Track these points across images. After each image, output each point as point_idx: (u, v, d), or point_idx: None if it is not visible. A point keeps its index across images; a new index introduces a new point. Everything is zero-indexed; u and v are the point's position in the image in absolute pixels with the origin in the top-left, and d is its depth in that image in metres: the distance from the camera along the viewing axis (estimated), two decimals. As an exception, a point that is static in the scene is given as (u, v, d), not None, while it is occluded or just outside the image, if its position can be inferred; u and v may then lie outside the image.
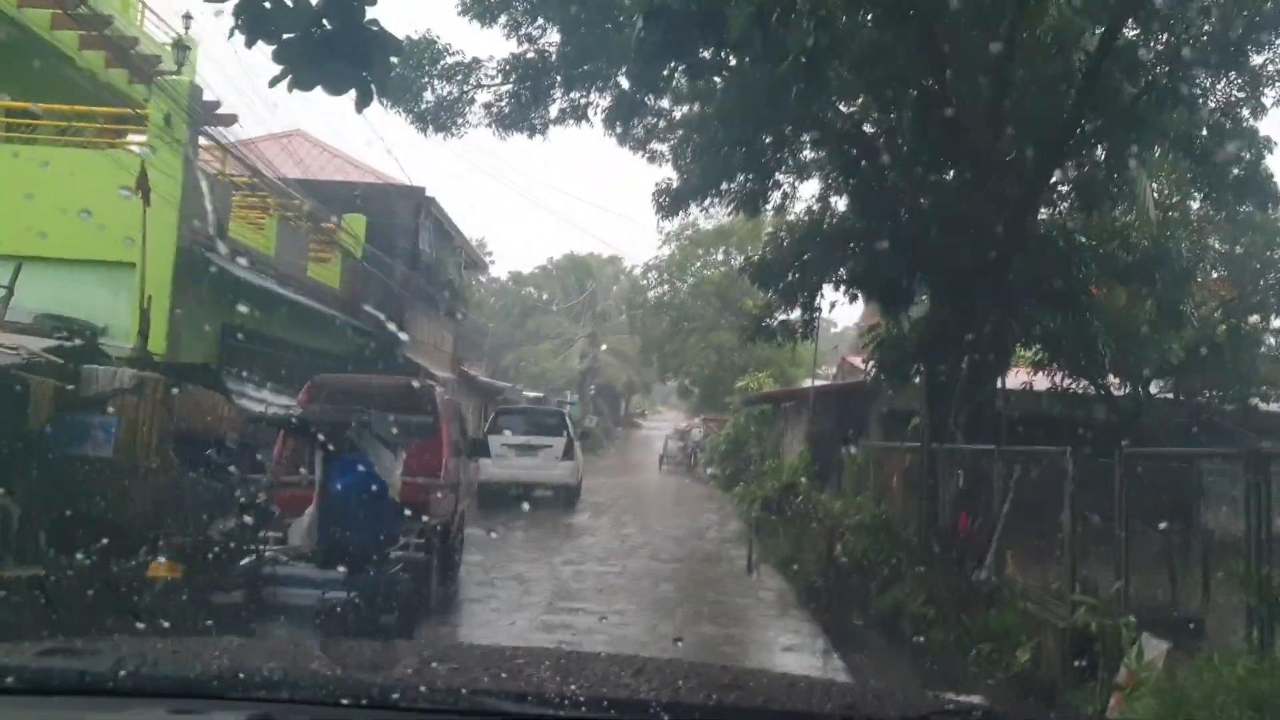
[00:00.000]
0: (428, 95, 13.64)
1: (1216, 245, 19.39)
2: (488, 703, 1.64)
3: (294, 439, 9.22)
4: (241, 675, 1.69)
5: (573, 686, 1.72)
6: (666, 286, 44.85)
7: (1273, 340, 19.94)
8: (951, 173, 13.48)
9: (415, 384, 11.56)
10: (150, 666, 1.74)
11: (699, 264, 42.28)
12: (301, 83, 4.54)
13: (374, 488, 7.73)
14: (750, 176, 14.73)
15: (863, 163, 13.89)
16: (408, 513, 9.28)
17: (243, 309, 13.25)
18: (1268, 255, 21.46)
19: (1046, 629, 8.53)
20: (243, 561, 7.61)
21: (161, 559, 6.69)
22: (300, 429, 8.49)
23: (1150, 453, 8.65)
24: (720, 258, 40.85)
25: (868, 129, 14.43)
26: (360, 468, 7.73)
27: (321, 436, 7.78)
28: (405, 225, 22.30)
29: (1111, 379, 16.97)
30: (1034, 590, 9.49)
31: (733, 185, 14.57)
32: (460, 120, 13.78)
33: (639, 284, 47.72)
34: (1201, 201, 16.82)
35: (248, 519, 7.83)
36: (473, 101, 13.75)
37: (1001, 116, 12.30)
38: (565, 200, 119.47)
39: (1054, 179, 13.50)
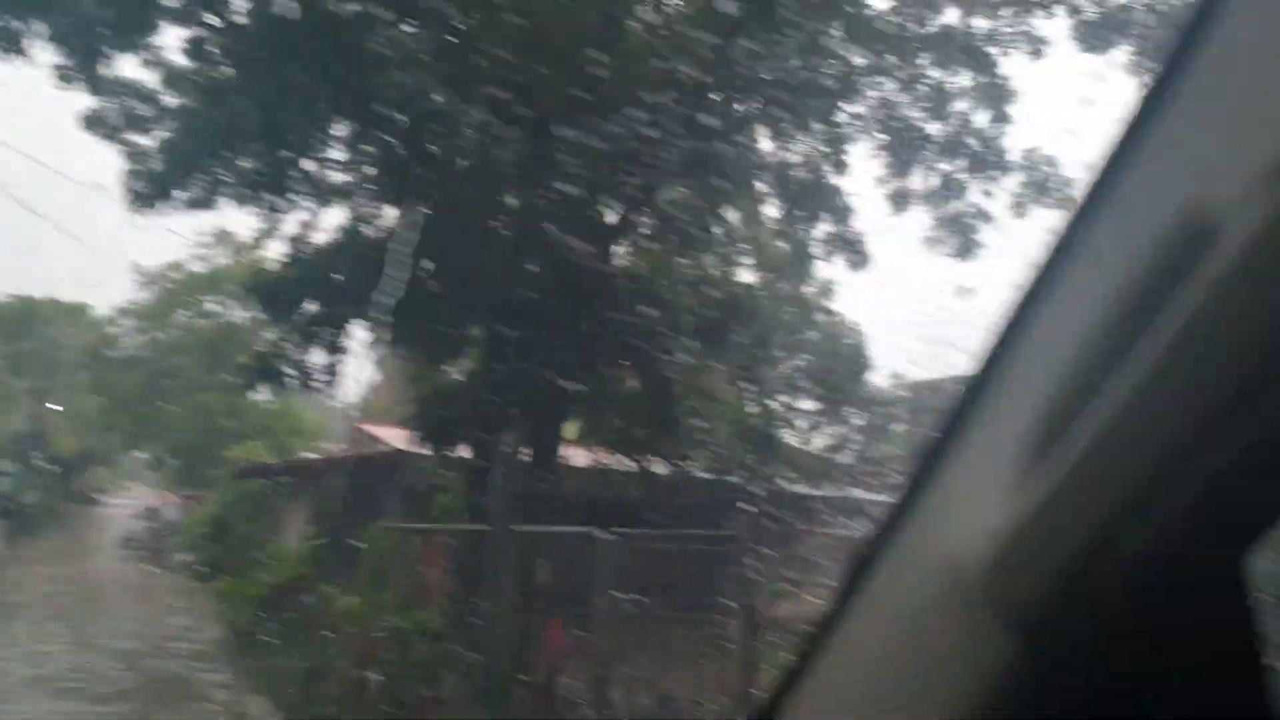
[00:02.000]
0: None
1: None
2: None
3: None
4: None
5: None
6: (144, 337, 37.78)
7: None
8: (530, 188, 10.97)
9: None
10: None
11: (192, 313, 36.08)
12: None
13: None
14: (264, 164, 11.07)
15: (416, 169, 10.92)
16: None
17: None
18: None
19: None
20: None
21: None
22: None
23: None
24: (216, 307, 35.14)
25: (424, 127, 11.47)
26: None
27: None
28: None
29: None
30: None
31: (241, 167, 10.84)
32: None
33: (107, 333, 39.78)
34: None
35: None
36: None
37: (599, 124, 10.00)
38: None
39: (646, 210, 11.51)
